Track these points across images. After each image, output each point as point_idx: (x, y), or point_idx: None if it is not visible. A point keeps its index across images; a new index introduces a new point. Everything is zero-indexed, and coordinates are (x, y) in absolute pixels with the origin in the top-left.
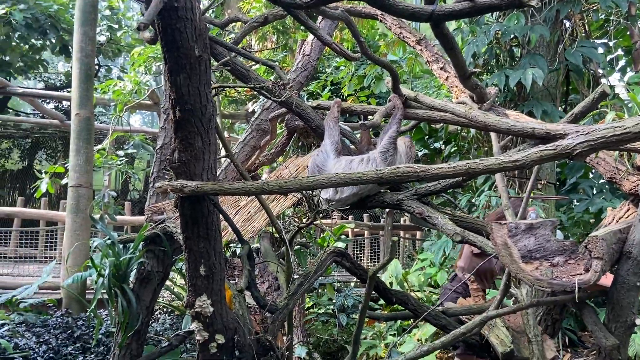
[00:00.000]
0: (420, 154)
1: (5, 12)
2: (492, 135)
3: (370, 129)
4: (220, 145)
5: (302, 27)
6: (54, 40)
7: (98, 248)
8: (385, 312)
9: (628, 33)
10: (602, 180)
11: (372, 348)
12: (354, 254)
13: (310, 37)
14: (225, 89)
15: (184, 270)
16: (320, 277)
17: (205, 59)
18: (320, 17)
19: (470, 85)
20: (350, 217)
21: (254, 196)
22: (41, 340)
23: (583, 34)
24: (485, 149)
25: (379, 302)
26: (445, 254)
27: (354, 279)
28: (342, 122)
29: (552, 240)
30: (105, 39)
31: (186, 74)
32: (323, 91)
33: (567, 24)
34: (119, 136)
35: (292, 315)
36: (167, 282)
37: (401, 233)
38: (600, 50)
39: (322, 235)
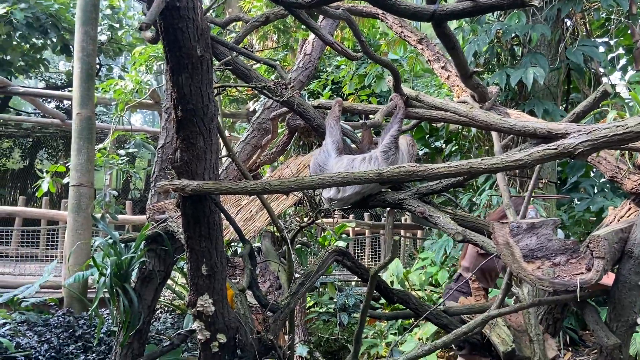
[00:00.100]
0: (421, 152)
1: (6, 11)
2: (494, 134)
3: (372, 128)
4: (222, 144)
5: (303, 26)
6: (54, 40)
7: (100, 247)
8: (386, 311)
9: (629, 32)
10: (603, 179)
11: (373, 347)
12: (354, 253)
13: (312, 36)
14: (226, 88)
15: (185, 269)
16: (321, 276)
17: (207, 58)
18: (321, 17)
19: (471, 84)
20: (351, 216)
21: (255, 195)
22: (43, 339)
23: (584, 33)
24: (486, 148)
25: (380, 301)
26: (446, 253)
27: (355, 278)
28: (343, 121)
29: (554, 240)
30: (106, 38)
31: (188, 74)
32: (324, 90)
33: (568, 22)
34: (120, 135)
35: (293, 314)
36: (169, 281)
37: (402, 232)
38: (601, 49)
39: (323, 235)
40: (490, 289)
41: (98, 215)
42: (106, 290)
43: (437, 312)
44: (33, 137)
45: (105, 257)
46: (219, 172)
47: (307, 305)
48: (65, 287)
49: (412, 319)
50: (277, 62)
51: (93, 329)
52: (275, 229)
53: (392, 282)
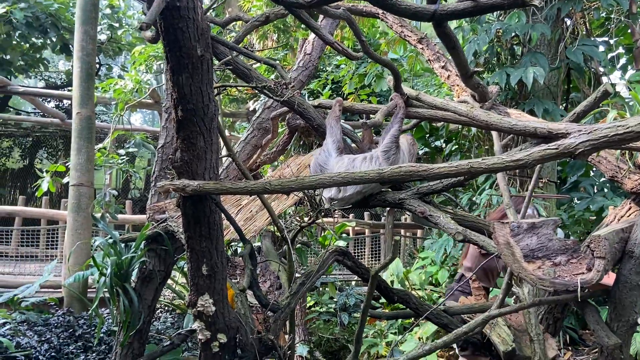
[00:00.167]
0: (421, 152)
1: (6, 10)
2: (494, 134)
3: (372, 128)
4: (222, 144)
5: (302, 26)
6: (54, 39)
7: (100, 247)
8: (387, 310)
9: (629, 31)
10: (603, 179)
11: (373, 346)
12: (354, 253)
13: (312, 35)
14: (226, 88)
15: (185, 269)
16: (321, 276)
17: (208, 58)
18: (321, 16)
19: (472, 84)
20: (351, 216)
21: (255, 195)
22: (43, 339)
23: (584, 32)
24: (486, 147)
25: (380, 301)
26: (446, 252)
27: (355, 278)
28: (344, 121)
29: (555, 240)
30: (105, 37)
31: (188, 74)
32: (324, 89)
33: (568, 22)
34: (120, 135)
35: (294, 314)
36: (169, 281)
37: (402, 231)
38: (601, 48)
39: (323, 234)
40: (491, 289)
41: (98, 215)
42: (106, 290)
43: (437, 312)
44: (33, 137)
45: (105, 257)
46: (219, 171)
47: (308, 305)
48: (65, 286)
49: (413, 319)
50: (277, 62)
51: (93, 328)
52: (275, 228)
53: (392, 282)
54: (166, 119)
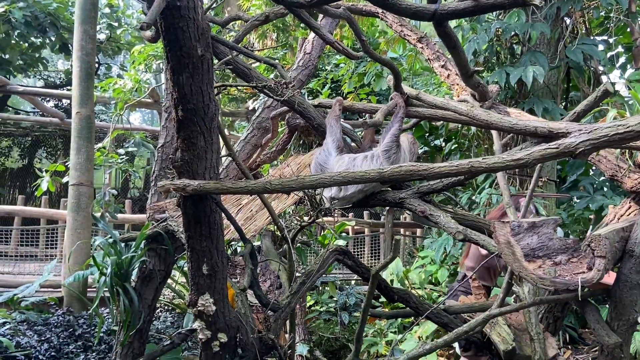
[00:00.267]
0: (420, 151)
1: (5, 10)
2: (494, 133)
3: (373, 127)
4: (222, 143)
5: (302, 25)
6: (53, 39)
7: (100, 246)
8: (387, 309)
9: (628, 30)
10: (602, 178)
11: (373, 345)
12: (354, 252)
13: (311, 35)
14: (226, 87)
15: (185, 269)
16: (322, 275)
17: (208, 58)
18: (321, 15)
19: (472, 83)
20: (350, 215)
21: (255, 195)
22: (43, 338)
23: (583, 31)
24: (486, 146)
25: (380, 300)
26: (445, 251)
27: (356, 277)
28: (344, 120)
29: (555, 239)
30: (105, 37)
31: (189, 73)
32: (323, 89)
33: (568, 21)
34: (120, 134)
35: (294, 313)
36: (169, 280)
37: (401, 230)
38: (601, 47)
39: (323, 233)
40: (492, 288)
41: (98, 214)
42: (106, 289)
43: (437, 311)
44: (32, 136)
45: (105, 257)
46: (219, 171)
47: (308, 304)
48: (65, 286)
49: (413, 318)
50: (277, 61)
51: (93, 328)
52: (275, 228)
53: (392, 281)
54: (166, 118)
